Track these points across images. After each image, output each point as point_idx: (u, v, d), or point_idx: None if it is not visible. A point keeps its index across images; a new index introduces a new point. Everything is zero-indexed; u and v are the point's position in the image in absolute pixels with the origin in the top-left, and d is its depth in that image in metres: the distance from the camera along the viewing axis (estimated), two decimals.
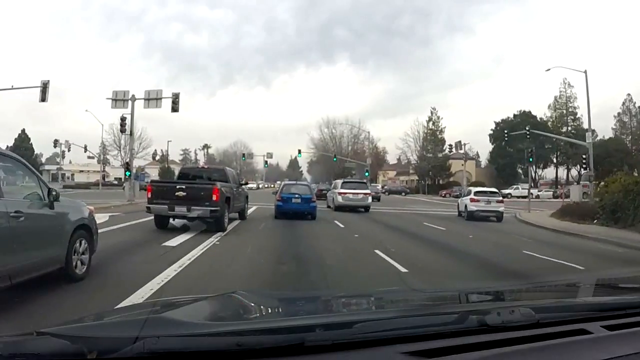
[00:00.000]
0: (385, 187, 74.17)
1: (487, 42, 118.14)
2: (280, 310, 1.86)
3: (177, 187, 12.15)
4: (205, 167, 18.03)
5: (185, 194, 11.79)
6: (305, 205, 17.28)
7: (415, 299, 2.13)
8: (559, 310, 1.57)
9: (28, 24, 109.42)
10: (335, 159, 66.80)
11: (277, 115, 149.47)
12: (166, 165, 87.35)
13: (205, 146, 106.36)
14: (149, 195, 12.23)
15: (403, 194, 62.77)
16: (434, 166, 71.18)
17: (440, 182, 73.04)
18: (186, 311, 1.50)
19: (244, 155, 76.15)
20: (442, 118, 75.84)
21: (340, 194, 23.15)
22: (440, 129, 74.72)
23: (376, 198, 36.08)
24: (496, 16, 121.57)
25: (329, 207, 24.23)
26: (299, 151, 66.11)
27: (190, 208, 11.68)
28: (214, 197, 11.74)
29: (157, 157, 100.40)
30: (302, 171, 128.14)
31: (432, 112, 75.67)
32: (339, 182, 25.61)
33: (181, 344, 1.16)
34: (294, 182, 24.19)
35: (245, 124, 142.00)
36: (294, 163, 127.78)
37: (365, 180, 35.15)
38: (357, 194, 23.12)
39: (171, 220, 12.77)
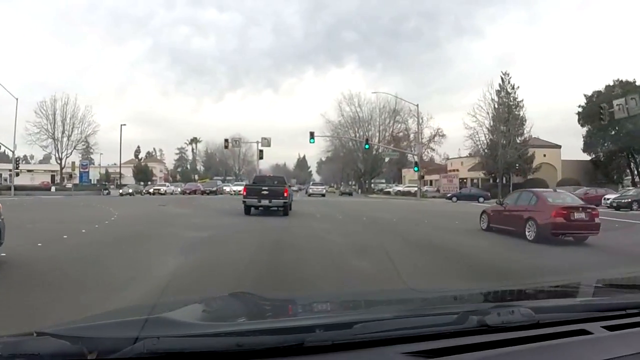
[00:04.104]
0: (441, 188, 53.29)
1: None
2: (280, 310, 1.85)
3: (263, 187, 19.21)
4: (271, 175, 29.89)
5: (267, 192, 18.77)
6: None
7: (415, 299, 2.13)
8: (559, 311, 1.57)
9: (30, 26, 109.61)
10: (367, 146, 53.22)
11: (285, 118, 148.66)
12: (141, 164, 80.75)
13: (194, 140, 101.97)
14: (244, 193, 19.32)
15: (481, 199, 40.25)
16: (519, 156, 47.47)
17: (514, 180, 49.18)
18: (186, 311, 1.50)
19: (226, 140, 53.86)
20: (518, 87, 48.72)
21: (310, 188, 52.96)
22: (517, 102, 48.35)
23: (349, 194, 58.97)
24: None
25: (306, 194, 50.09)
26: (311, 135, 44.42)
27: (271, 201, 18.64)
28: (285, 194, 18.95)
29: (141, 157, 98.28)
30: (311, 171, 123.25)
31: (503, 80, 48.50)
32: (311, 182, 49.35)
33: (181, 344, 1.16)
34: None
35: (253, 126, 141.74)
36: (301, 163, 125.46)
37: (323, 182, 59.93)
38: (318, 188, 50.72)
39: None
